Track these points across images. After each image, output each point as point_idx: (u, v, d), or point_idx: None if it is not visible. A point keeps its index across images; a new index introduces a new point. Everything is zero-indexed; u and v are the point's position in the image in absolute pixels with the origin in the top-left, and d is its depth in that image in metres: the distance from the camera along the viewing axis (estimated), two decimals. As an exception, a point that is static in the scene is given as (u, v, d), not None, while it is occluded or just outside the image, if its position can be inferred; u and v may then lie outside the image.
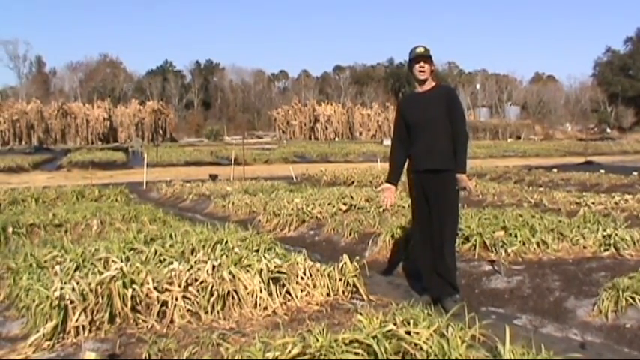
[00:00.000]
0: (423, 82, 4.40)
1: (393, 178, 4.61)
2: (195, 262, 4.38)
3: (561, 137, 64.70)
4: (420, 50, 4.36)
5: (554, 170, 15.59)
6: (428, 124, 4.36)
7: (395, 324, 3.06)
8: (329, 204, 8.37)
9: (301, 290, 4.28)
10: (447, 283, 4.32)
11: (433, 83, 4.45)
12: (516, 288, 4.65)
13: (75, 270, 4.40)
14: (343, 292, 4.37)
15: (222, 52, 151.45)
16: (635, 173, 13.22)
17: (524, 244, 5.45)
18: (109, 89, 79.16)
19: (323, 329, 3.09)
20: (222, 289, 4.00)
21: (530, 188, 11.11)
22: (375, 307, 3.85)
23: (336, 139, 63.10)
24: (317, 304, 4.15)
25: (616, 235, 5.45)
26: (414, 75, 4.43)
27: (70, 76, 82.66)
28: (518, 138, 64.55)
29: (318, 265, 4.55)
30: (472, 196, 4.63)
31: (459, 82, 78.18)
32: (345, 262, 4.52)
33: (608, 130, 68.86)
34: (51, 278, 4.15)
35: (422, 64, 4.34)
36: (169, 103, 74.18)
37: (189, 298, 3.92)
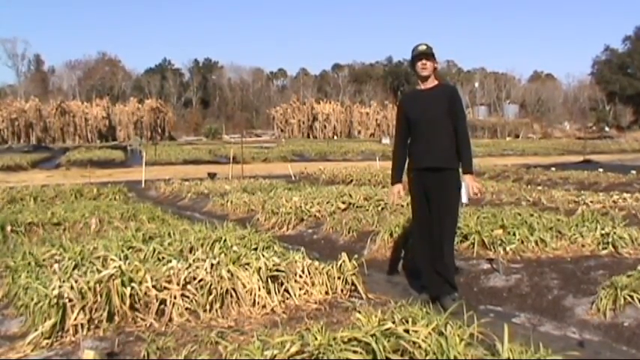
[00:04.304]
0: (425, 79, 4.41)
1: (398, 177, 4.63)
2: (193, 260, 4.37)
3: (560, 136, 64.73)
4: (422, 47, 4.37)
5: (553, 169, 15.60)
6: (429, 122, 4.37)
7: (393, 322, 3.06)
8: (327, 202, 8.37)
9: (300, 289, 4.28)
10: (445, 282, 4.33)
11: (435, 82, 4.45)
12: (515, 286, 4.65)
13: (73, 268, 4.40)
14: (342, 291, 4.37)
15: (221, 51, 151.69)
16: (633, 172, 13.24)
17: (522, 242, 5.45)
18: (108, 87, 79.09)
19: (321, 328, 3.09)
20: (221, 288, 3.99)
21: (529, 187, 11.12)
22: (374, 306, 3.85)
23: (335, 137, 63.08)
24: (315, 303, 4.15)
25: (614, 233, 5.45)
26: (416, 72, 4.43)
27: (68, 74, 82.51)
28: (517, 136, 64.58)
29: (316, 263, 4.55)
30: (480, 195, 4.66)
31: (458, 81, 78.21)
32: (344, 261, 4.52)
33: (607, 129, 68.79)
34: (49, 277, 4.15)
35: (424, 61, 4.35)
36: (168, 101, 74.11)
37: (188, 297, 3.92)
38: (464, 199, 4.32)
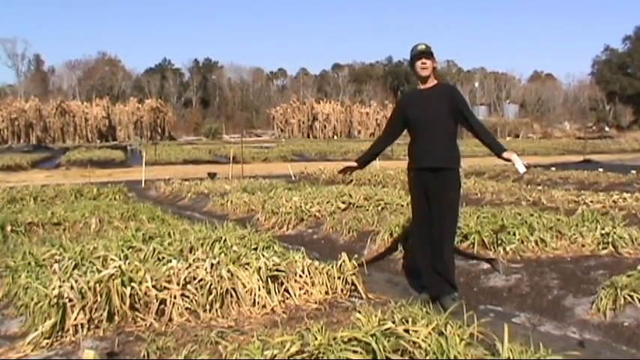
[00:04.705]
0: (424, 79, 4.41)
1: (360, 159, 4.84)
2: (193, 260, 4.37)
3: (560, 135, 64.66)
4: (422, 47, 4.37)
5: (553, 168, 15.59)
6: (429, 122, 4.37)
7: (393, 322, 3.06)
8: (327, 202, 8.37)
9: (300, 288, 4.28)
10: (445, 282, 4.33)
11: (435, 81, 4.45)
12: (515, 286, 4.65)
13: (73, 268, 4.39)
14: (342, 291, 4.37)
15: (221, 51, 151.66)
16: (633, 171, 13.24)
17: (522, 242, 5.45)
18: (108, 87, 79.09)
19: (321, 327, 3.09)
20: (221, 288, 3.99)
21: (529, 186, 11.12)
22: (374, 306, 3.85)
23: (335, 137, 63.06)
24: (315, 303, 4.15)
25: (614, 233, 5.45)
26: (415, 72, 4.43)
27: (68, 74, 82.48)
28: (517, 136, 64.56)
29: (316, 263, 4.55)
30: (528, 171, 4.59)
31: (458, 81, 78.24)
32: (344, 261, 4.52)
33: (607, 129, 68.74)
34: (49, 277, 4.14)
35: (424, 60, 4.34)
36: (168, 101, 74.06)
37: (188, 297, 3.92)
38: (522, 169, 4.26)
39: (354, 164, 4.82)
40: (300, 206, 8.16)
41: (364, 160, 4.83)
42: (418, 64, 4.36)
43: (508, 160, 4.26)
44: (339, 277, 4.42)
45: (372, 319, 3.12)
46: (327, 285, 4.36)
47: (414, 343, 2.84)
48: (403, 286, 4.99)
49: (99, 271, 3.97)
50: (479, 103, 79.41)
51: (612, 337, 3.67)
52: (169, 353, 3.21)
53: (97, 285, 3.75)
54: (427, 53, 4.35)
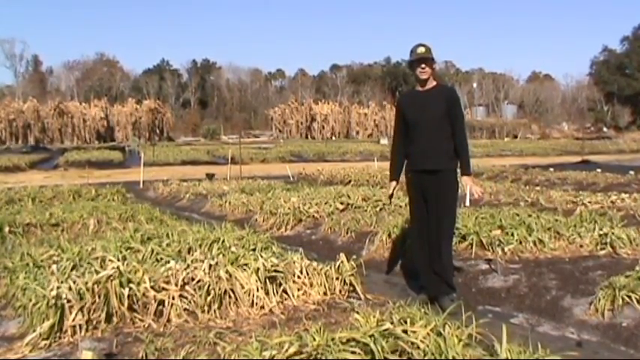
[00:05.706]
0: (424, 82, 4.41)
1: (395, 175, 4.66)
2: (192, 261, 4.37)
3: (558, 136, 64.79)
4: (422, 51, 4.33)
5: (551, 169, 15.60)
6: (427, 123, 4.36)
7: (392, 323, 3.06)
8: (326, 203, 8.37)
9: (298, 289, 4.28)
10: (443, 282, 4.33)
11: (434, 83, 4.45)
12: (513, 287, 4.66)
13: (71, 269, 4.39)
14: (340, 291, 4.37)
15: (219, 51, 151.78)
16: (631, 172, 13.24)
17: (520, 243, 5.45)
18: (106, 88, 79.02)
19: (320, 328, 3.09)
20: (219, 289, 3.99)
21: (527, 187, 11.13)
22: (372, 306, 3.85)
23: (333, 138, 63.12)
24: (314, 303, 4.15)
25: (612, 234, 5.45)
26: (415, 75, 4.43)
27: (66, 75, 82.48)
28: (515, 137, 64.65)
29: (314, 264, 4.55)
30: (480, 199, 4.70)
31: (456, 81, 78.34)
32: (342, 261, 4.52)
33: (605, 129, 68.91)
34: (47, 278, 4.14)
35: (423, 65, 4.33)
36: (166, 102, 74.01)
37: (186, 298, 3.92)
38: (467, 201, 4.38)
39: (395, 183, 4.66)
40: (299, 207, 8.16)
41: (397, 175, 4.66)
42: (418, 69, 4.35)
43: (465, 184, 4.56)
44: (337, 278, 4.42)
45: (370, 319, 3.12)
46: (325, 286, 4.36)
47: (413, 343, 2.84)
48: (401, 286, 4.99)
49: (97, 272, 3.96)
50: (477, 104, 79.57)
51: (610, 338, 3.68)
52: (168, 354, 3.20)
53: (96, 286, 3.75)
54: (427, 58, 4.34)
